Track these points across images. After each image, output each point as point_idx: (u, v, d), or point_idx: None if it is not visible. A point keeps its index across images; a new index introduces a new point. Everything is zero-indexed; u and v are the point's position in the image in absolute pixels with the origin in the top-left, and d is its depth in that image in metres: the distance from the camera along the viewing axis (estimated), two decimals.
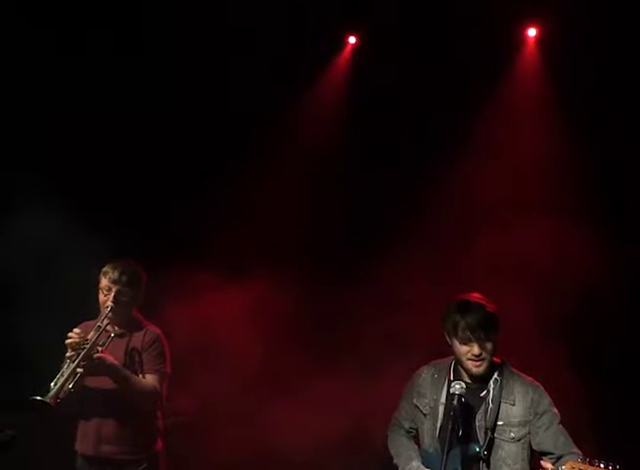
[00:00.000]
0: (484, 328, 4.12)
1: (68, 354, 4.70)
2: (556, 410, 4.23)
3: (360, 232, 6.92)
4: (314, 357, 6.33)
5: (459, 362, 4.27)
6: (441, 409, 4.28)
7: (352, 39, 7.34)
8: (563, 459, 4.03)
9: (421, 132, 6.84)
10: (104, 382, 4.82)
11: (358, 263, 6.81)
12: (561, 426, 4.20)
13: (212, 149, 7.00)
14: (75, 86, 6.81)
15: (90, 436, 4.93)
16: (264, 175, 6.97)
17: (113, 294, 4.89)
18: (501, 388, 4.22)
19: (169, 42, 7.00)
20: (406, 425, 4.52)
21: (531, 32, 6.90)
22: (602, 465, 3.77)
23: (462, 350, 4.19)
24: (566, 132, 6.53)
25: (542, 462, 4.05)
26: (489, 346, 4.16)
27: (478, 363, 4.17)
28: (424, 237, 6.58)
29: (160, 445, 5.10)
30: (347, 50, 7.35)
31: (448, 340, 4.25)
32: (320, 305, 6.62)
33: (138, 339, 5.00)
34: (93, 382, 4.84)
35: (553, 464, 4.01)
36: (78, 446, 5.03)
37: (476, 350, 4.14)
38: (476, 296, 4.26)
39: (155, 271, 5.14)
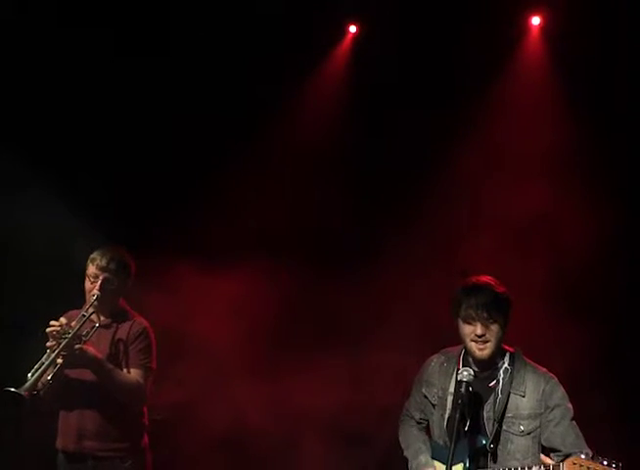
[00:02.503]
0: (489, 308, 3.97)
1: (48, 344, 4.48)
2: (569, 405, 4.05)
3: (357, 222, 6.83)
4: (302, 348, 6.32)
5: (465, 346, 4.11)
6: (450, 399, 4.14)
7: (353, 28, 7.21)
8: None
9: (422, 122, 6.68)
10: (86, 375, 4.62)
11: (352, 254, 6.76)
12: (573, 422, 4.03)
13: (209, 138, 6.86)
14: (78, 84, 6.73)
15: (72, 431, 4.72)
16: (262, 165, 6.86)
17: (99, 282, 4.68)
18: (511, 378, 4.06)
19: (167, 36, 6.90)
20: (417, 416, 4.39)
21: (535, 21, 6.78)
22: (605, 463, 3.63)
23: (466, 330, 4.03)
24: (570, 122, 6.41)
25: (542, 457, 3.89)
26: (494, 328, 4.00)
27: (481, 346, 4.01)
28: (423, 227, 6.50)
29: (145, 441, 4.90)
30: (348, 39, 7.22)
31: (455, 322, 4.09)
32: (310, 294, 6.55)
33: (124, 331, 4.80)
34: (75, 374, 4.65)
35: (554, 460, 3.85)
36: (59, 443, 4.81)
37: (479, 330, 3.98)
38: (486, 278, 4.12)
39: (142, 260, 5.00)
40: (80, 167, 6.62)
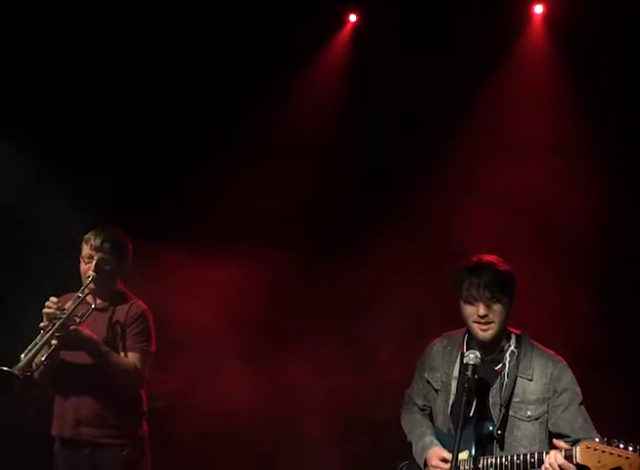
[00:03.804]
0: (491, 287, 3.83)
1: (41, 324, 4.36)
2: (578, 389, 3.92)
3: (351, 204, 6.79)
4: (299, 333, 6.34)
5: (468, 328, 3.98)
6: (454, 384, 4.00)
7: (353, 17, 7.10)
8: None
9: (422, 112, 6.61)
10: (82, 358, 4.49)
11: (345, 237, 6.71)
12: (582, 407, 3.90)
13: (203, 127, 6.78)
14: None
15: (68, 417, 4.57)
16: (257, 154, 6.75)
17: (94, 262, 4.55)
18: (518, 361, 3.92)
19: (164, 26, 6.80)
20: (419, 402, 4.25)
21: (538, 9, 6.67)
22: (621, 445, 3.52)
23: (468, 311, 3.90)
24: (573, 110, 6.33)
25: (555, 441, 3.73)
26: (498, 308, 3.86)
27: (484, 327, 3.87)
28: (419, 209, 6.48)
29: (144, 429, 4.74)
30: (348, 28, 7.11)
31: (457, 303, 3.97)
32: (304, 279, 6.55)
33: (121, 313, 4.65)
34: (70, 358, 4.52)
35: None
36: (55, 430, 4.65)
37: (481, 310, 3.84)
38: (488, 256, 3.98)
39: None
40: (71, 155, 6.54)
